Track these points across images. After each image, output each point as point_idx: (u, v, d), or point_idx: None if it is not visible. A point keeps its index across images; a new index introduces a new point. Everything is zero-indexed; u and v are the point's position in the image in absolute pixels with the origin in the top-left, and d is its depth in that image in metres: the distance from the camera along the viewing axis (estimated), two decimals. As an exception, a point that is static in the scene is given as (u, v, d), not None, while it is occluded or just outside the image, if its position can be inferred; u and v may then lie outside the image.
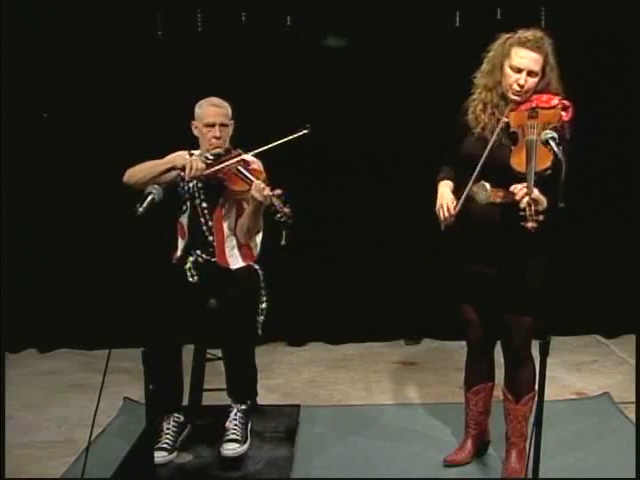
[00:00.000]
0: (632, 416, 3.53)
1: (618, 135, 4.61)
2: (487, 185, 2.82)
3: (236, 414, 3.28)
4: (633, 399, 3.56)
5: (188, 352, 3.40)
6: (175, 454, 3.26)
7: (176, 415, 3.31)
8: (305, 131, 3.29)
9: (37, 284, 4.71)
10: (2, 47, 4.37)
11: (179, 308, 3.20)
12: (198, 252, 3.35)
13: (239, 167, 3.27)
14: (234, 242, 3.38)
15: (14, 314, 4.57)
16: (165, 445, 3.22)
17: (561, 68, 2.84)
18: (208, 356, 3.45)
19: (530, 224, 2.54)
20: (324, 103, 4.55)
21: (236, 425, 3.26)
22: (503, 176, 2.73)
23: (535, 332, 2.88)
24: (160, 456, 3.15)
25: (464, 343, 3.19)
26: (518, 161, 2.69)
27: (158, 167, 3.26)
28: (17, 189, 4.58)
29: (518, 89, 2.78)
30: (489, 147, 2.76)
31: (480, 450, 3.24)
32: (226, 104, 3.39)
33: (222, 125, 3.33)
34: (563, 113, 2.78)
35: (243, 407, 3.31)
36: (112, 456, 3.16)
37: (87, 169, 4.59)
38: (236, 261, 3.38)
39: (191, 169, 3.19)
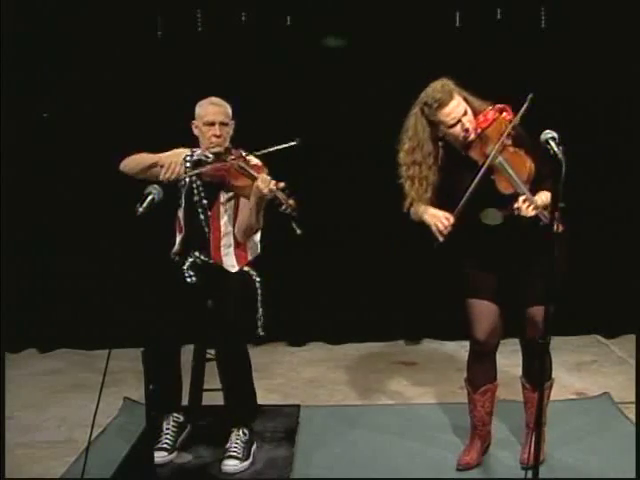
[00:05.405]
0: (632, 416, 3.53)
1: (618, 134, 4.61)
2: (495, 210, 2.88)
3: (237, 437, 3.22)
4: (633, 399, 3.57)
5: (188, 352, 3.40)
6: (175, 454, 3.26)
7: (176, 415, 3.31)
8: (293, 143, 3.22)
9: (37, 284, 4.72)
10: (2, 47, 4.37)
11: (178, 308, 3.19)
12: (196, 253, 3.32)
13: (240, 164, 3.24)
14: (230, 241, 3.33)
15: (14, 314, 4.57)
16: (165, 445, 3.22)
17: (467, 86, 2.92)
18: (208, 356, 3.44)
19: (555, 227, 2.48)
20: (324, 103, 4.55)
21: (237, 445, 3.20)
22: (498, 201, 2.83)
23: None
24: (160, 456, 3.15)
25: (464, 343, 3.18)
26: (505, 185, 2.80)
27: (146, 160, 3.24)
28: (17, 189, 4.58)
29: (465, 132, 2.87)
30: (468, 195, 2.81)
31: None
32: (226, 104, 3.36)
33: (222, 124, 3.29)
34: (504, 114, 2.87)
35: (243, 431, 3.24)
36: (112, 456, 3.17)
37: (87, 169, 4.59)
38: (230, 261, 3.33)
39: (167, 171, 3.15)
